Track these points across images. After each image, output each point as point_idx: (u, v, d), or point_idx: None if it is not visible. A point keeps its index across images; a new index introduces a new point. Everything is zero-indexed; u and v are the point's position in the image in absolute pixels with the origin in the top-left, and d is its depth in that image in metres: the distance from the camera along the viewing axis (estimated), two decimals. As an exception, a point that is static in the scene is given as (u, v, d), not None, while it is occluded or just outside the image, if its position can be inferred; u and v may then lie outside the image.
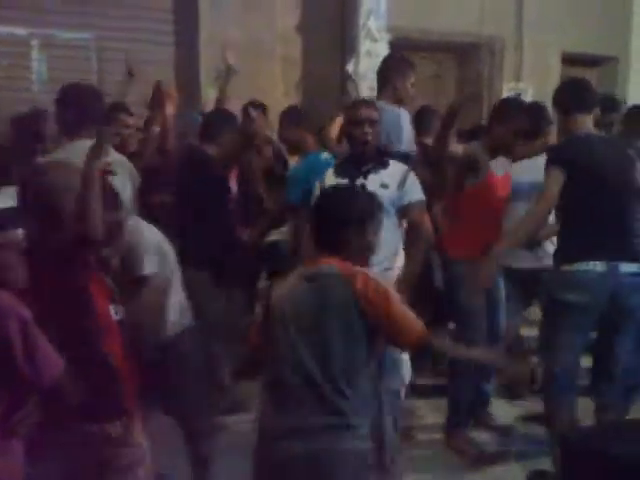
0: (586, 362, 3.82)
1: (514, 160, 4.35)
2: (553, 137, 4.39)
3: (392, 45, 6.53)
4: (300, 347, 2.36)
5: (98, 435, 2.39)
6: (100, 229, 2.35)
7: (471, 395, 4.28)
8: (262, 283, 5.16)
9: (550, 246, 4.33)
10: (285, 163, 5.14)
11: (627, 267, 3.56)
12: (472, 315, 4.11)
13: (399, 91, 4.26)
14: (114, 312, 2.52)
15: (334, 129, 4.61)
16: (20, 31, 5.99)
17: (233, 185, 4.66)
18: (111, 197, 3.00)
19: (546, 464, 3.68)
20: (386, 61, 4.54)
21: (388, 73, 4.33)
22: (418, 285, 3.68)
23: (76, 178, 2.43)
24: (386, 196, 3.43)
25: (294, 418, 2.35)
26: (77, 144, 3.58)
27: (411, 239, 3.61)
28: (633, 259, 3.61)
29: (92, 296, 2.42)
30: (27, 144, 4.08)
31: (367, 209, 2.56)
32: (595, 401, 3.75)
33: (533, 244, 4.27)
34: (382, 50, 6.47)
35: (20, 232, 2.41)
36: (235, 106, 4.84)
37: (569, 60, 7.97)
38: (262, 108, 5.08)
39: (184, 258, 3.44)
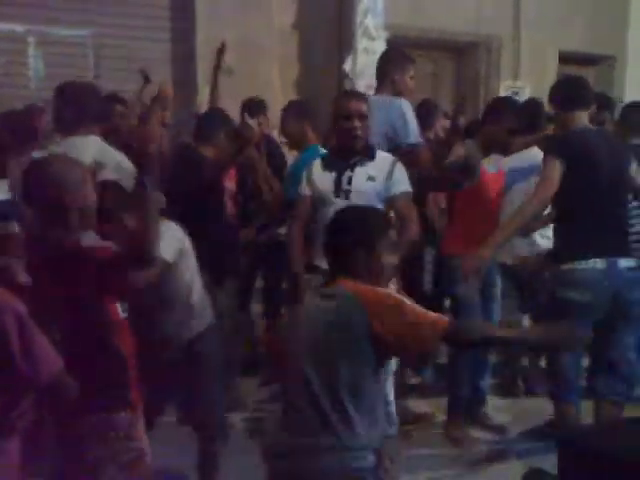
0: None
1: (509, 154, 4.40)
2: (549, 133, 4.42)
3: (389, 43, 6.53)
4: (308, 366, 2.34)
5: (104, 425, 2.39)
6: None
7: (469, 389, 4.31)
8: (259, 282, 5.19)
9: (538, 238, 4.36)
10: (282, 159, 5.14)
11: (625, 262, 3.59)
12: (469, 310, 4.12)
13: (398, 84, 4.25)
14: (121, 310, 2.53)
15: None
16: (17, 28, 5.98)
17: (231, 185, 4.65)
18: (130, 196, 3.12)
19: (543, 463, 3.68)
20: (385, 55, 4.53)
21: (387, 67, 4.32)
22: (407, 287, 3.70)
23: (80, 172, 2.44)
24: (372, 189, 3.49)
25: (293, 437, 2.36)
26: (72, 140, 3.61)
27: (397, 230, 3.58)
28: (629, 254, 3.65)
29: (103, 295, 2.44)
30: (19, 140, 4.08)
31: (378, 230, 2.50)
32: (594, 396, 3.76)
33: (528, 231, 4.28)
34: (379, 48, 6.45)
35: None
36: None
37: (566, 59, 7.99)
38: (262, 106, 5.07)
39: None
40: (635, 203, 4.14)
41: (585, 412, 3.73)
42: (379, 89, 4.36)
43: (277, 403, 2.69)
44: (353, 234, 2.46)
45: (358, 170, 3.53)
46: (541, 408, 4.26)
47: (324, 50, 6.79)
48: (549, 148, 3.70)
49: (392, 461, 3.43)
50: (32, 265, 2.42)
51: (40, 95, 5.73)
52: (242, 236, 4.72)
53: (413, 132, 4.10)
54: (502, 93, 7.30)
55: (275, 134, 5.22)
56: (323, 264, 3.43)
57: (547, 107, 4.30)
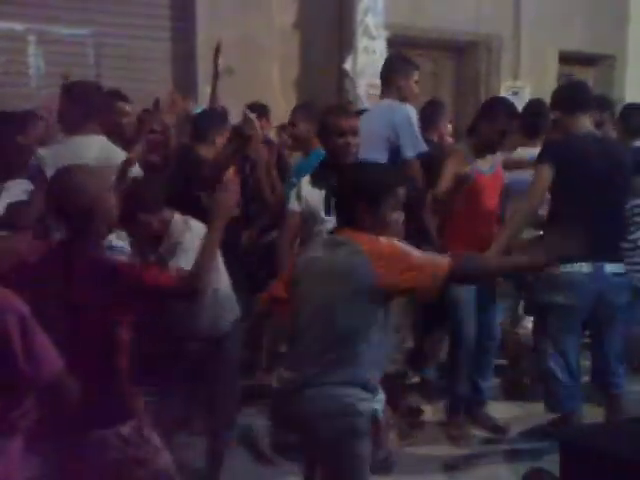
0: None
1: (507, 149, 4.46)
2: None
3: (390, 42, 6.53)
4: (308, 305, 2.53)
5: (113, 437, 2.42)
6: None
7: (468, 387, 4.32)
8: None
9: None
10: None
11: (612, 267, 3.64)
12: (464, 310, 4.14)
13: (403, 90, 4.30)
14: None
15: None
16: (17, 26, 5.97)
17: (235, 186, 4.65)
18: (155, 197, 3.23)
19: (543, 463, 3.68)
20: (388, 62, 4.55)
21: (391, 74, 4.36)
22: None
23: (104, 180, 2.51)
24: None
25: (293, 372, 2.53)
26: (77, 139, 3.66)
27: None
28: (618, 260, 3.69)
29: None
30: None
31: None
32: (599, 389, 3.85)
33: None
34: (380, 47, 6.48)
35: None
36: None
37: (566, 58, 8.00)
38: (263, 110, 5.06)
39: None
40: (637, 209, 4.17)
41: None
42: (384, 95, 4.38)
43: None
44: (359, 188, 2.57)
45: None
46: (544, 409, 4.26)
47: (324, 49, 6.79)
48: (540, 154, 3.76)
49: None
50: (52, 272, 2.44)
51: (40, 94, 5.74)
52: (244, 238, 4.71)
53: (413, 144, 4.13)
54: (502, 93, 7.29)
55: (272, 135, 5.22)
56: None
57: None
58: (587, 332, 4.00)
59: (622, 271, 3.71)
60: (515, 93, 7.33)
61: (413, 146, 4.16)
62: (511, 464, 4.00)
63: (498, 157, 4.30)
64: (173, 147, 4.38)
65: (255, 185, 4.77)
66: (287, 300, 2.71)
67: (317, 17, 6.77)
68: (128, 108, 4.57)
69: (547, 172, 3.65)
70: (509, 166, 4.40)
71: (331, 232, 2.71)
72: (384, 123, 4.13)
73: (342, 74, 6.55)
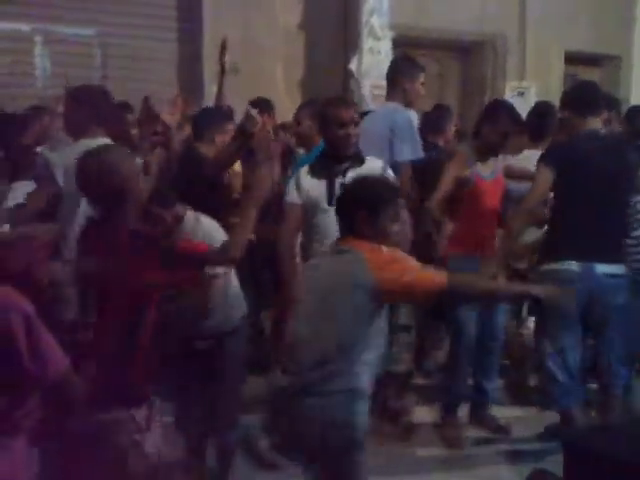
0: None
1: (511, 152, 4.47)
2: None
3: (395, 43, 6.53)
4: (309, 312, 2.60)
5: (126, 419, 2.44)
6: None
7: (466, 388, 4.33)
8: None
9: None
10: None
11: (605, 268, 3.62)
12: (463, 310, 4.15)
13: (409, 93, 4.30)
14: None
15: None
16: (23, 27, 6.00)
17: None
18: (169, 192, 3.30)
19: (547, 464, 3.68)
20: (394, 64, 4.55)
21: (396, 76, 4.36)
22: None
23: (134, 162, 2.58)
24: None
25: (292, 377, 2.58)
26: (84, 143, 3.63)
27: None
28: (612, 260, 3.65)
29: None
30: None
31: (382, 195, 2.69)
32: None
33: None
34: (385, 48, 6.48)
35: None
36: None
37: (572, 59, 7.98)
38: (267, 105, 5.06)
39: None
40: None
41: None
42: (390, 97, 4.39)
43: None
44: (359, 199, 2.68)
45: (350, 175, 3.54)
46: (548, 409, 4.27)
47: (329, 50, 6.79)
48: (541, 157, 3.78)
49: None
50: (89, 249, 2.50)
51: (46, 94, 5.75)
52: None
53: (412, 148, 4.13)
54: (507, 93, 7.28)
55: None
56: None
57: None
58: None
59: (618, 272, 3.66)
60: (521, 94, 7.32)
61: (412, 150, 4.16)
62: (514, 465, 4.00)
63: (500, 161, 4.31)
64: (174, 148, 4.40)
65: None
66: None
67: (322, 18, 6.77)
68: (131, 118, 4.61)
69: (547, 175, 3.67)
70: (513, 175, 4.40)
71: (336, 241, 2.79)
72: (386, 125, 4.14)
73: (347, 75, 6.55)
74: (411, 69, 4.36)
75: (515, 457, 4.11)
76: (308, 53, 6.81)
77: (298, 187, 3.63)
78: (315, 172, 3.61)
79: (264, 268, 5.12)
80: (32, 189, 4.07)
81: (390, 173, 3.67)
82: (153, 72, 6.29)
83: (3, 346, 2.10)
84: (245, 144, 3.89)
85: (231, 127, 4.14)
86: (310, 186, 3.58)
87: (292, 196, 3.65)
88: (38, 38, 6.04)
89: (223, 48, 4.94)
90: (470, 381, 4.54)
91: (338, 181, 3.52)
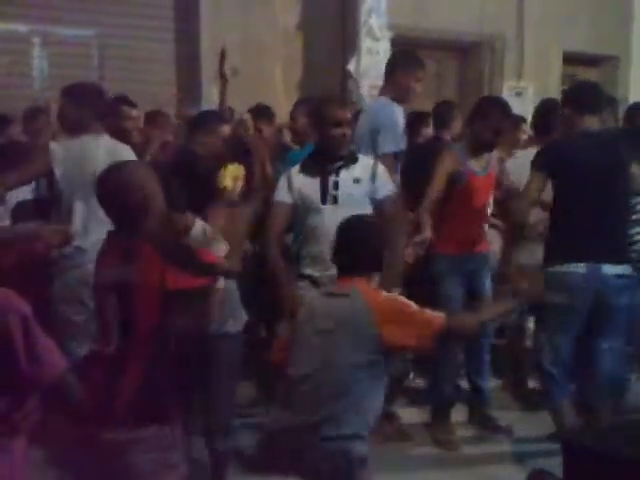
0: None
1: (505, 148, 4.56)
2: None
3: (393, 43, 6.53)
4: (311, 352, 2.64)
5: (154, 436, 2.43)
6: None
7: (451, 391, 4.35)
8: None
9: None
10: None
11: (611, 269, 3.62)
12: (449, 309, 4.14)
13: (401, 87, 4.25)
14: None
15: None
16: (21, 28, 5.99)
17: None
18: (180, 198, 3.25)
19: (546, 464, 3.68)
20: (392, 56, 4.55)
21: (392, 69, 4.33)
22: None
23: (155, 178, 2.56)
24: (360, 191, 3.56)
25: (292, 416, 2.63)
26: (84, 139, 3.73)
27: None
28: (619, 261, 3.65)
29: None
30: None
31: (383, 239, 2.88)
32: (580, 402, 3.83)
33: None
34: (383, 48, 6.47)
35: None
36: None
37: (570, 59, 7.99)
38: (266, 112, 5.05)
39: None
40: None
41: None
42: (382, 90, 4.37)
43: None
44: (366, 241, 2.79)
45: (344, 174, 3.56)
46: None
47: (328, 50, 6.79)
48: (533, 160, 3.81)
49: None
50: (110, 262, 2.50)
51: (44, 95, 5.75)
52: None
53: (394, 140, 4.10)
54: (505, 93, 7.29)
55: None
56: (315, 272, 3.48)
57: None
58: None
59: (625, 272, 3.67)
60: (518, 93, 7.33)
61: (394, 141, 4.12)
62: (513, 465, 4.01)
63: (494, 156, 4.32)
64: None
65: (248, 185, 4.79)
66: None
67: (320, 18, 6.77)
68: (135, 113, 4.61)
69: (537, 180, 3.72)
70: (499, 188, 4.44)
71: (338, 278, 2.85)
72: (370, 119, 4.14)
73: (345, 75, 6.55)
74: (407, 63, 4.30)
75: (514, 457, 4.11)
76: (306, 53, 6.80)
77: (289, 185, 3.60)
78: (307, 170, 3.59)
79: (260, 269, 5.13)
80: (32, 187, 4.12)
81: (382, 169, 3.68)
82: (151, 73, 6.28)
83: (0, 348, 2.10)
84: (237, 147, 3.90)
85: (225, 129, 4.16)
86: (302, 184, 3.56)
87: (282, 194, 3.62)
88: (36, 39, 6.03)
89: (222, 57, 4.95)
90: (465, 382, 4.56)
91: (332, 179, 3.52)
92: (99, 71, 6.13)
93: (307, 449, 2.59)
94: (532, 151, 4.41)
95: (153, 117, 4.89)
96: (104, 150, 3.72)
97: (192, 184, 3.89)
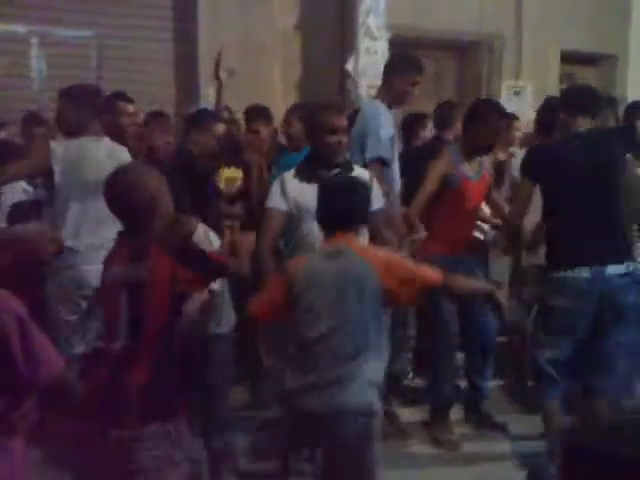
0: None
1: (501, 147, 4.61)
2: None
3: (391, 43, 6.53)
4: (323, 313, 2.69)
5: (163, 432, 2.46)
6: None
7: (450, 390, 4.35)
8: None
9: None
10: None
11: (614, 269, 3.61)
12: (444, 309, 4.18)
13: (397, 92, 4.20)
14: None
15: None
16: (20, 29, 5.98)
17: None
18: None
19: (545, 463, 3.69)
20: (389, 61, 4.49)
21: (389, 72, 4.28)
22: None
23: (162, 180, 2.60)
24: None
25: (309, 375, 2.70)
26: (83, 140, 3.77)
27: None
28: (621, 260, 3.64)
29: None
30: None
31: (366, 191, 2.98)
32: (591, 398, 3.80)
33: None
34: (381, 48, 6.48)
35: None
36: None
37: (568, 58, 7.99)
38: (263, 113, 5.05)
39: None
40: None
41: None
42: (379, 92, 4.36)
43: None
44: (351, 199, 2.84)
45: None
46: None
47: (326, 50, 6.79)
48: (521, 166, 3.85)
49: None
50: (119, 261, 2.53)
51: (42, 96, 5.75)
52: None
53: (373, 147, 4.02)
54: (503, 92, 7.30)
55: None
56: None
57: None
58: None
59: (627, 271, 3.63)
60: (517, 93, 7.34)
61: (373, 148, 4.04)
62: (513, 464, 4.01)
63: (486, 160, 4.33)
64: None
65: (246, 186, 4.81)
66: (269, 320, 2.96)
67: (319, 18, 6.77)
68: (131, 109, 4.59)
69: (526, 184, 3.78)
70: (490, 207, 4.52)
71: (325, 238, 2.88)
72: (361, 122, 4.12)
73: (344, 75, 6.55)
74: (404, 68, 4.23)
75: (514, 455, 4.11)
76: (305, 54, 6.81)
77: (283, 191, 3.52)
78: (303, 176, 3.52)
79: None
80: (24, 187, 4.13)
81: (376, 183, 3.68)
82: (149, 73, 6.28)
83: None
84: (230, 145, 3.92)
85: (220, 128, 4.18)
86: (298, 192, 3.47)
87: (275, 201, 3.54)
88: (34, 40, 6.03)
89: (218, 59, 4.95)
90: (464, 382, 4.57)
91: None
92: (97, 72, 6.13)
93: (326, 406, 2.65)
94: None
95: (154, 117, 4.89)
96: (104, 152, 3.74)
97: (192, 184, 3.91)
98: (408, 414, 4.58)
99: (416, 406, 4.68)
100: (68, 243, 3.67)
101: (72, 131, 3.79)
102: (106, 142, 3.81)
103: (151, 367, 2.43)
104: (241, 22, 6.37)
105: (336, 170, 3.51)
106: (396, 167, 4.21)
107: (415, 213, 4.07)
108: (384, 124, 4.07)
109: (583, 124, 3.72)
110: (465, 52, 7.84)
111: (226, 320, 3.48)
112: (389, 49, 6.46)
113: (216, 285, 3.14)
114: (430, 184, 4.07)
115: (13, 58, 6.00)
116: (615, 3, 8.13)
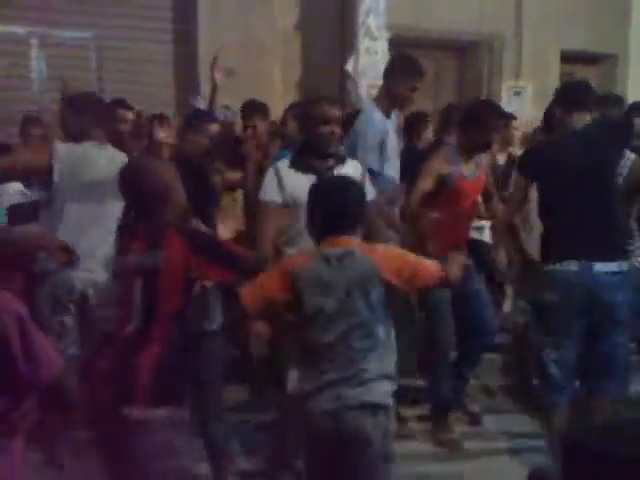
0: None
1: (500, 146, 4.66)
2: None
3: (391, 43, 6.53)
4: (335, 316, 2.67)
5: (163, 419, 2.49)
6: None
7: (450, 391, 4.38)
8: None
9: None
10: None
11: (604, 266, 3.59)
12: (440, 310, 4.21)
13: (396, 96, 4.19)
14: None
15: None
16: (19, 30, 5.99)
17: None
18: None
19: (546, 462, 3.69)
20: (391, 63, 4.46)
21: (389, 77, 4.27)
22: None
23: (175, 172, 2.66)
24: None
25: (326, 375, 2.67)
26: (86, 145, 3.79)
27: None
28: (612, 258, 3.62)
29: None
30: None
31: (359, 190, 2.94)
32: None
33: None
34: (381, 48, 6.47)
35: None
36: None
37: (568, 58, 7.99)
38: (260, 108, 5.07)
39: None
40: None
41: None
42: (378, 95, 4.36)
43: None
44: (354, 198, 2.82)
45: (338, 172, 3.50)
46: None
47: (326, 50, 6.80)
48: (517, 164, 3.89)
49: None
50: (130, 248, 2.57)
51: (42, 97, 5.75)
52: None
53: (362, 159, 3.95)
54: (504, 93, 7.29)
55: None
56: None
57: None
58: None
59: (619, 269, 3.62)
60: (517, 93, 7.33)
61: (362, 161, 3.95)
62: (514, 462, 4.01)
63: (483, 159, 4.34)
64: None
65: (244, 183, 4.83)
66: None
67: (319, 18, 6.78)
68: (131, 116, 4.63)
69: (520, 183, 3.80)
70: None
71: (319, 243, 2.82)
72: (357, 124, 4.13)
73: (344, 75, 6.54)
74: (403, 73, 4.20)
75: (515, 453, 4.12)
76: (305, 54, 6.82)
77: (280, 184, 3.47)
78: (299, 167, 3.47)
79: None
80: (20, 189, 4.14)
81: (367, 176, 3.72)
82: (149, 74, 6.30)
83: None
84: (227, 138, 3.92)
85: (213, 128, 4.21)
86: (295, 183, 3.40)
87: (271, 194, 3.48)
88: (34, 41, 6.03)
89: (214, 61, 4.95)
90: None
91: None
92: (97, 73, 6.14)
93: (346, 402, 2.65)
94: None
95: (158, 119, 4.90)
96: (105, 159, 3.77)
97: (192, 184, 3.92)
98: (410, 413, 4.60)
99: (418, 405, 4.69)
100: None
101: (76, 137, 3.83)
102: (108, 149, 3.86)
103: (161, 352, 2.46)
104: (241, 22, 6.38)
105: (330, 161, 3.51)
106: (397, 164, 4.26)
107: (414, 204, 4.07)
108: (373, 133, 4.06)
109: (579, 120, 3.72)
110: (465, 52, 7.84)
111: (216, 317, 3.50)
112: (389, 49, 6.45)
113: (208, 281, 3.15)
114: (423, 183, 4.07)
115: (13, 59, 6.00)
116: (615, 3, 8.13)
